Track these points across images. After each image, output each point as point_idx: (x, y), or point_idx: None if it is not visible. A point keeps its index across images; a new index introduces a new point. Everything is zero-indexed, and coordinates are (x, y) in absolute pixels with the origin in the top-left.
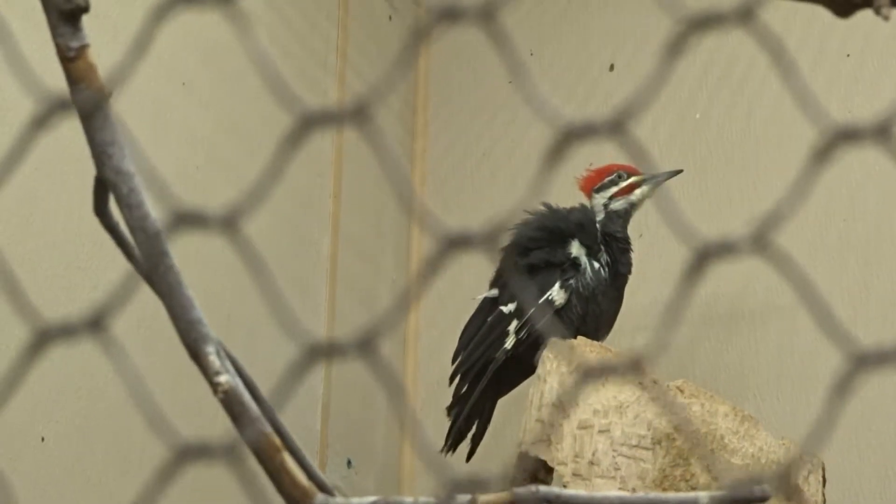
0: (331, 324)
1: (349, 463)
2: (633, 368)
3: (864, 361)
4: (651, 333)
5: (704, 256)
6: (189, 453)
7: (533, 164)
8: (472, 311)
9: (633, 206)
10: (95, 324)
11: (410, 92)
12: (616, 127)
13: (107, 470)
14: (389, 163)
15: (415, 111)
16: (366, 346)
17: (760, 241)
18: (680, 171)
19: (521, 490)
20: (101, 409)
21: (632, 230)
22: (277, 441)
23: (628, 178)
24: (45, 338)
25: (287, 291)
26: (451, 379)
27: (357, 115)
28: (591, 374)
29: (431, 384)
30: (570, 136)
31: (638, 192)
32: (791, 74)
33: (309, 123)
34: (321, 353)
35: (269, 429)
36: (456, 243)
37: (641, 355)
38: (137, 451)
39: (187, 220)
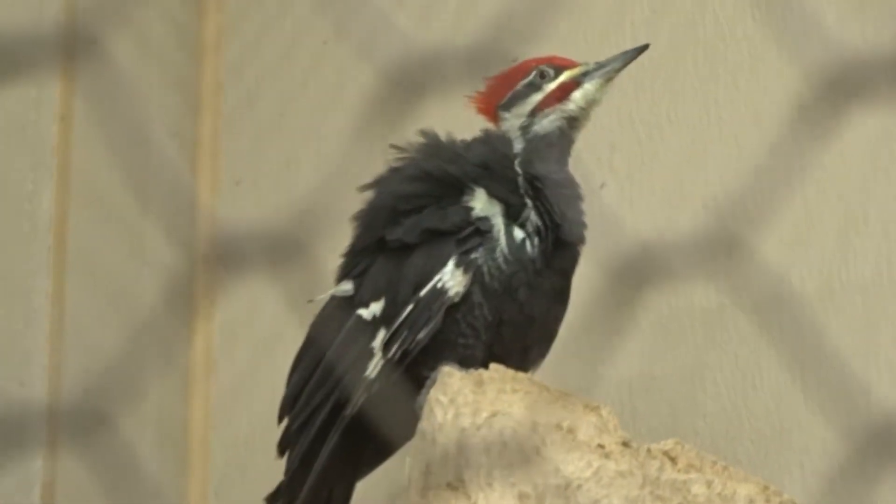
0: (55, 359)
1: None
2: None
3: None
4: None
5: None
6: None
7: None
8: (308, 323)
9: (571, 123)
10: None
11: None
12: None
13: None
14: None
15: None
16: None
17: None
18: (645, 47)
19: None
20: None
21: (587, 175)
22: None
23: (556, 75)
24: None
25: None
26: (281, 448)
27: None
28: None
29: (232, 455)
30: None
31: (578, 94)
32: None
33: None
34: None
35: None
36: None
37: None
38: None
39: None
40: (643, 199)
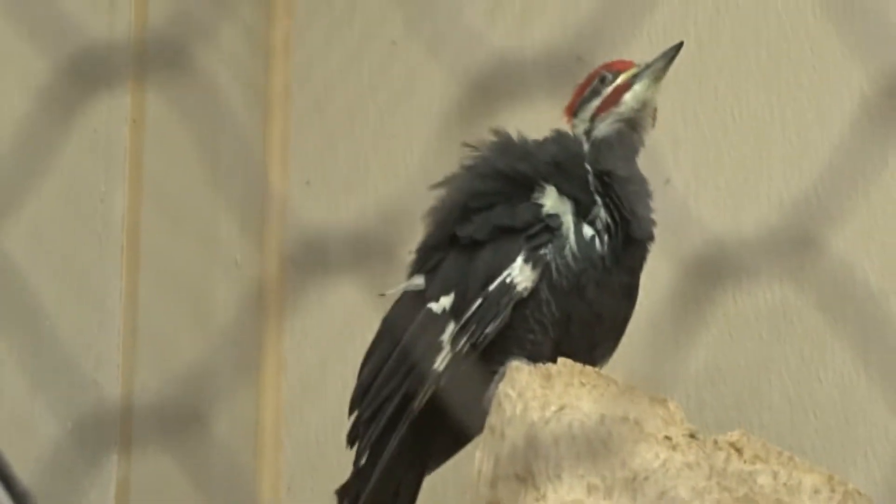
0: (129, 358)
1: None
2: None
3: None
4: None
5: None
6: None
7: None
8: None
9: (630, 124)
10: None
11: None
12: None
13: None
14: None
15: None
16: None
17: None
18: (680, 45)
19: None
20: None
21: (651, 173)
22: None
23: (614, 79)
24: None
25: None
26: (351, 439)
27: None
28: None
29: (304, 451)
30: None
31: (628, 96)
32: None
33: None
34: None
35: None
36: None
37: None
38: None
39: None
40: (708, 195)
